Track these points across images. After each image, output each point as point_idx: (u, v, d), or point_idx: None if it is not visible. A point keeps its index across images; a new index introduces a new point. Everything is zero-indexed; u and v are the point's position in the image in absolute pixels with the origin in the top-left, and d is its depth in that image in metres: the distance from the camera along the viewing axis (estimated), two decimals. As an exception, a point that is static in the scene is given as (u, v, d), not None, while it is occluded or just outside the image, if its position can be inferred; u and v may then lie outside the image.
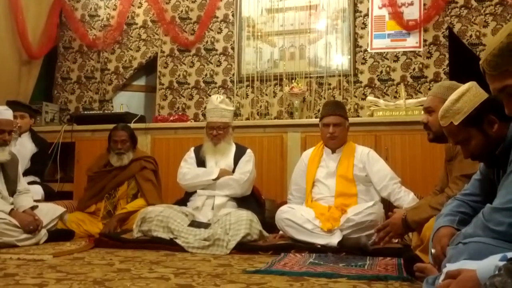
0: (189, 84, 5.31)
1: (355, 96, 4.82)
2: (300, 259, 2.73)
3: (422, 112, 2.54)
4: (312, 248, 2.99)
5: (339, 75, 4.87)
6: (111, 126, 4.09)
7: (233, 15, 5.24)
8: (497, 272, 1.22)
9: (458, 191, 2.02)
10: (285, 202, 3.61)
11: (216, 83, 5.24)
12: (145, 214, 3.31)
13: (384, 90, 4.76)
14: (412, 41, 4.74)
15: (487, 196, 1.78)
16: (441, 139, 2.29)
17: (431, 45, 4.69)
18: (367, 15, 4.88)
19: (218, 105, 3.67)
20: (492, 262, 1.30)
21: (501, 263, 1.26)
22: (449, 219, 1.83)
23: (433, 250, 1.79)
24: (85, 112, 5.27)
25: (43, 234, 3.30)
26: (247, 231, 3.11)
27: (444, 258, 1.64)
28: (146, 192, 3.83)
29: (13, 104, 4.18)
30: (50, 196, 4.22)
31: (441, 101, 2.02)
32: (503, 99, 1.48)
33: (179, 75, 5.35)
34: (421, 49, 4.70)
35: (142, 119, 4.95)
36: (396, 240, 3.04)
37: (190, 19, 5.39)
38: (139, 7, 5.54)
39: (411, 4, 4.76)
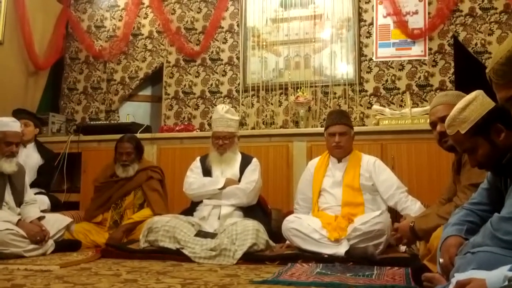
0: (194, 94, 5.33)
1: (361, 105, 4.83)
2: (307, 269, 2.72)
3: (433, 122, 2.44)
4: (319, 258, 2.98)
5: (344, 84, 4.88)
6: (117, 136, 4.11)
7: (238, 25, 5.27)
8: (506, 283, 1.21)
9: (466, 200, 2.01)
10: (291, 212, 3.60)
11: (221, 92, 5.25)
12: (151, 224, 3.31)
13: (390, 99, 4.76)
14: (417, 50, 4.75)
15: (494, 205, 1.78)
16: None
17: (436, 54, 4.69)
18: (371, 24, 4.90)
19: (224, 115, 3.68)
20: (501, 272, 1.29)
21: (511, 274, 1.25)
22: (457, 228, 1.82)
23: (441, 260, 1.78)
24: (92, 123, 5.28)
25: (50, 244, 3.32)
26: (254, 241, 3.10)
27: (452, 268, 1.63)
28: (153, 202, 3.84)
29: (17, 112, 4.22)
30: (56, 206, 4.23)
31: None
32: (510, 108, 1.48)
33: (184, 85, 5.37)
34: (426, 58, 4.71)
35: (148, 129, 4.95)
36: (404, 250, 3.04)
37: (196, 29, 5.42)
38: (145, 18, 5.59)
39: (416, 13, 4.77)
